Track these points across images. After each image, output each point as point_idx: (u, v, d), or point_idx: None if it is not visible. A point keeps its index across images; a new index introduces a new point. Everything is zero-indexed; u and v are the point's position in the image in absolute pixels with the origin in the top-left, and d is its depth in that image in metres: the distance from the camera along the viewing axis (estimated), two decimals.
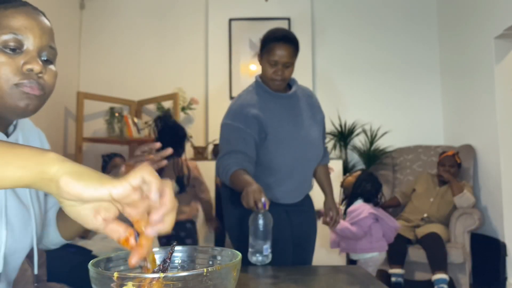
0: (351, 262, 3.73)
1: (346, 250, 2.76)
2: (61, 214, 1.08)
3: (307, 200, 2.05)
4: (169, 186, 0.54)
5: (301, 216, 1.96)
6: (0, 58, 0.79)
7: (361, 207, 2.69)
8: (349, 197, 2.82)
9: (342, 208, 2.83)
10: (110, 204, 0.53)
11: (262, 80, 1.93)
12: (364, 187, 2.76)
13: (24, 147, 0.54)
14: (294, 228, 1.93)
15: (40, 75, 0.83)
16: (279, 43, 1.80)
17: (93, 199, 0.50)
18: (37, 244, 0.95)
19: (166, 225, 0.53)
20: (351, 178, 2.87)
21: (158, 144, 1.04)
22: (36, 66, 0.81)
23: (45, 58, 0.85)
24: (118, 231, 0.54)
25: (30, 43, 0.82)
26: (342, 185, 2.94)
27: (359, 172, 2.91)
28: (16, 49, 0.81)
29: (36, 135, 1.04)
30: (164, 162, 1.04)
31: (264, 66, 1.86)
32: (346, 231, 2.62)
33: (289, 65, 1.85)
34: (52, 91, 0.88)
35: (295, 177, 1.89)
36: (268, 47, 1.82)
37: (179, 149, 2.79)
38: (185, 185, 2.83)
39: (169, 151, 1.03)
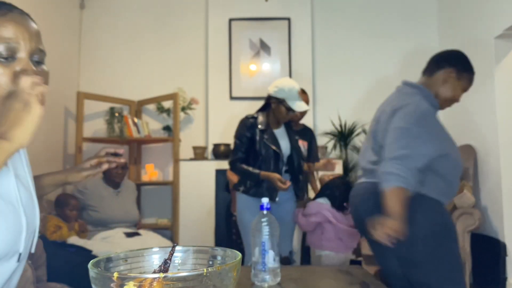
0: (351, 262, 3.73)
1: (311, 245, 2.87)
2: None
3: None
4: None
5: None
6: None
7: (317, 205, 2.78)
8: (317, 193, 2.97)
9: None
10: None
11: None
12: (332, 191, 2.87)
13: None
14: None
15: None
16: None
17: None
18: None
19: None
20: (326, 178, 3.04)
21: (122, 150, 1.21)
22: (30, 73, 0.85)
23: (36, 60, 0.89)
24: None
25: (21, 50, 0.85)
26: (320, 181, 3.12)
27: (338, 176, 3.08)
28: (9, 58, 0.84)
29: None
30: (113, 165, 1.20)
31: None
32: (297, 222, 2.78)
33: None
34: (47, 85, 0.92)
35: None
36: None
37: None
38: None
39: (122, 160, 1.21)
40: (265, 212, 1.33)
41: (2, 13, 0.85)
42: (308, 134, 3.26)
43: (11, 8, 0.87)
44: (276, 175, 2.37)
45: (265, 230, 1.31)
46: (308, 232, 2.84)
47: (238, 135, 2.54)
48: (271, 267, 1.29)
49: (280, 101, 2.49)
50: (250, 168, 2.46)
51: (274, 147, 2.49)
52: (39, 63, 0.90)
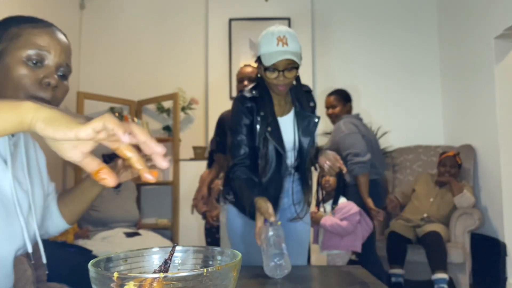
0: (351, 262, 3.74)
1: (328, 248, 2.78)
2: (62, 200, 1.15)
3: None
4: (135, 125, 0.58)
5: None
6: (23, 71, 0.90)
7: (349, 204, 2.76)
8: (335, 195, 2.87)
9: (327, 206, 2.87)
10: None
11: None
12: (345, 185, 2.85)
13: (2, 101, 0.59)
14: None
15: (55, 88, 0.94)
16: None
17: (64, 140, 0.56)
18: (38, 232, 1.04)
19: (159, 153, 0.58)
20: (332, 178, 2.88)
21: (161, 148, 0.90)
22: (53, 81, 0.92)
23: (61, 74, 0.96)
24: (92, 164, 0.59)
25: (50, 59, 0.93)
26: (319, 184, 2.95)
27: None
28: (38, 63, 0.92)
29: (31, 144, 1.13)
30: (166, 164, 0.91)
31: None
32: (337, 227, 2.68)
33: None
34: (60, 104, 0.98)
35: None
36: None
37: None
38: None
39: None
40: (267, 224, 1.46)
41: (43, 26, 0.95)
42: None
43: (51, 25, 0.97)
44: (267, 210, 1.50)
45: (271, 239, 1.42)
46: (345, 235, 2.72)
47: (235, 125, 1.77)
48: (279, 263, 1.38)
49: (260, 62, 1.71)
50: (246, 193, 1.65)
51: (275, 143, 1.74)
52: (63, 77, 0.96)
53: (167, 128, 4.22)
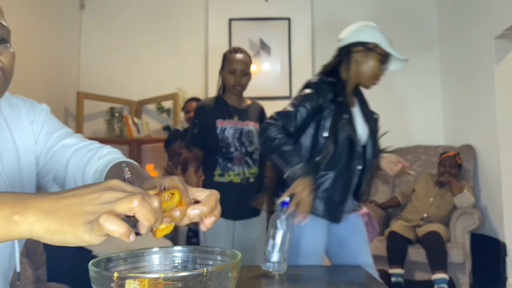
0: None
1: None
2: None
3: None
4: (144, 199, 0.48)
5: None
6: None
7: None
8: None
9: None
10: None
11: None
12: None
13: None
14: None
15: None
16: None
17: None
18: None
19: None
20: None
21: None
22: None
23: None
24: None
25: None
26: None
27: None
28: None
29: (38, 110, 0.93)
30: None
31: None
32: None
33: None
34: (13, 74, 0.80)
35: None
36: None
37: None
38: None
39: None
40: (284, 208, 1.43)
41: None
42: (258, 112, 2.53)
43: None
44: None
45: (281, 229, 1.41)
46: None
47: (302, 100, 1.68)
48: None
49: (370, 48, 1.71)
50: (294, 155, 1.56)
51: (350, 132, 1.67)
52: (3, 40, 0.77)
53: (167, 128, 4.22)
